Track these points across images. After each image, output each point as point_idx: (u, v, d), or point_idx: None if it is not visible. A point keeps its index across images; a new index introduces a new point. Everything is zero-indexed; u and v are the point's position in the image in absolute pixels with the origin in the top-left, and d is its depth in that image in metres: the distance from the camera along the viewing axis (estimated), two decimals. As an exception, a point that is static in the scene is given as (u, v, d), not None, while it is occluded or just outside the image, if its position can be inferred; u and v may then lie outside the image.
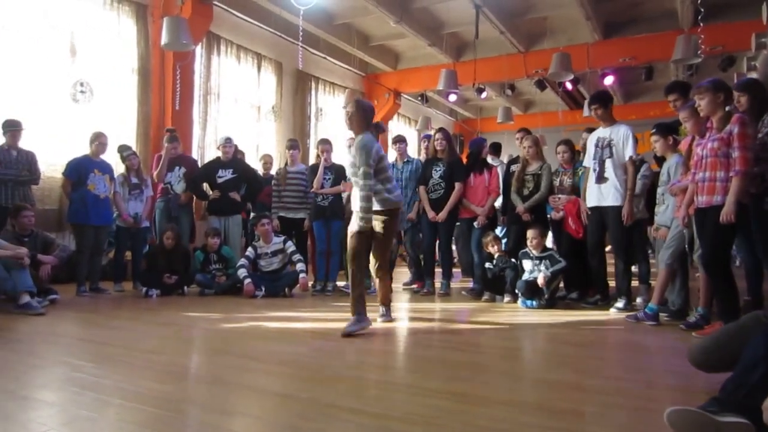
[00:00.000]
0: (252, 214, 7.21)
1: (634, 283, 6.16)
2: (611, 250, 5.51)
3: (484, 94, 12.58)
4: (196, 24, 8.07)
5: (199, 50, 8.89)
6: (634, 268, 6.84)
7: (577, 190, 5.78)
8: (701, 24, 8.12)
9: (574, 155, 6.12)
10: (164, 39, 7.35)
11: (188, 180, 6.87)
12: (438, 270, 6.75)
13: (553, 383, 2.83)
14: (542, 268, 5.50)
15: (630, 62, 10.93)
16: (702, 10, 7.91)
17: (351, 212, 4.43)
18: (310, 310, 5.37)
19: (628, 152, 5.09)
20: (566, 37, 11.15)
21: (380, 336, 4.09)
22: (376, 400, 2.47)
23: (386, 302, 4.58)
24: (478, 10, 9.55)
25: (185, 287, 6.33)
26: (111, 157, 6.81)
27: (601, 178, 5.20)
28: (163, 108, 8.35)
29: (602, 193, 5.19)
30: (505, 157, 8.83)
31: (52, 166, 6.95)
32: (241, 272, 6.12)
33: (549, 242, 6.34)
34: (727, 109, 3.94)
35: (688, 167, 4.34)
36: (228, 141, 6.91)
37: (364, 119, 4.26)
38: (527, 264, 5.66)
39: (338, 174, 6.45)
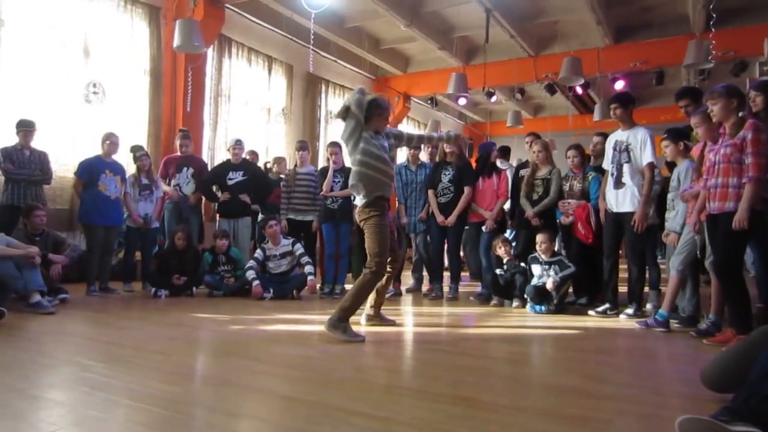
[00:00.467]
0: (260, 216, 7.23)
1: (645, 289, 6.14)
2: (623, 255, 5.48)
3: (493, 98, 12.56)
4: (208, 26, 8.13)
5: (210, 52, 8.94)
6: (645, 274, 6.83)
7: (586, 195, 5.75)
8: (713, 29, 8.08)
9: (584, 160, 6.08)
10: (176, 41, 7.39)
11: (199, 182, 6.90)
12: (446, 273, 6.74)
13: (562, 389, 2.81)
14: (551, 273, 5.48)
15: (641, 67, 10.88)
16: (714, 15, 7.87)
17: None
18: (318, 312, 5.37)
19: (647, 157, 4.96)
20: (577, 41, 11.13)
21: (388, 340, 4.08)
22: (383, 404, 2.47)
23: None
24: (489, 14, 9.55)
25: (194, 288, 6.35)
26: (123, 157, 6.85)
27: (618, 183, 5.10)
28: (174, 109, 8.40)
29: (619, 199, 5.13)
30: (514, 161, 8.80)
31: (63, 165, 7.01)
32: (250, 274, 6.14)
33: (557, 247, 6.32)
34: (740, 114, 3.91)
35: (700, 173, 4.31)
36: (238, 143, 6.94)
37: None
38: (536, 269, 5.64)
39: (348, 177, 6.43)
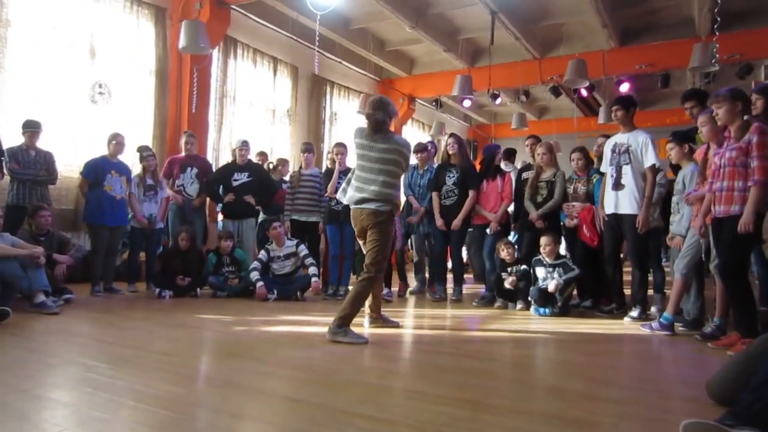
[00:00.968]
0: (262, 216, 7.24)
1: (649, 292, 6.12)
2: (626, 258, 5.47)
3: (498, 100, 12.55)
4: (214, 28, 8.14)
5: (216, 53, 8.95)
6: (648, 277, 6.81)
7: (591, 198, 5.75)
8: (717, 32, 8.06)
9: (589, 162, 6.07)
10: (182, 42, 7.40)
11: (203, 182, 6.91)
12: (448, 276, 6.73)
13: (566, 392, 2.81)
14: (555, 275, 5.47)
15: (646, 69, 10.86)
16: (719, 19, 7.85)
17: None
18: (322, 314, 5.37)
19: (650, 160, 4.99)
20: (582, 43, 11.11)
21: (392, 342, 4.08)
22: (387, 407, 2.47)
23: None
24: (494, 16, 9.53)
25: (198, 289, 6.36)
26: (128, 158, 6.86)
27: (618, 185, 5.13)
28: (179, 110, 8.41)
29: (619, 201, 5.13)
30: (519, 164, 8.80)
31: (69, 166, 7.02)
32: (254, 275, 6.14)
33: (562, 249, 6.30)
34: (745, 118, 3.90)
35: (705, 176, 4.30)
36: (244, 144, 6.95)
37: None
38: (540, 271, 5.63)
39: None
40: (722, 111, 3.87)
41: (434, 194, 6.45)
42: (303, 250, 6.37)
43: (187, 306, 5.57)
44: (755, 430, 1.92)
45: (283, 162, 8.25)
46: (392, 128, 4.29)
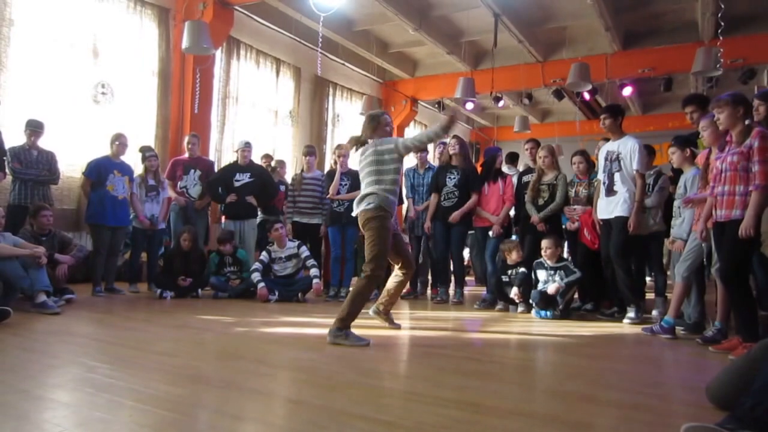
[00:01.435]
0: (260, 216, 7.25)
1: (650, 295, 6.12)
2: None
3: (501, 103, 12.56)
4: (217, 28, 8.16)
5: (219, 54, 8.97)
6: (649, 281, 6.81)
7: (592, 201, 5.75)
8: (722, 36, 8.06)
9: (590, 166, 6.08)
10: (185, 42, 7.42)
11: (205, 183, 6.91)
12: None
13: (567, 395, 2.80)
14: (557, 278, 5.47)
15: (649, 73, 10.86)
16: (722, 23, 7.85)
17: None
18: (323, 315, 5.37)
19: (635, 165, 5.09)
20: (585, 47, 11.11)
21: (393, 344, 4.08)
22: (388, 408, 2.46)
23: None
24: (497, 19, 9.54)
25: (199, 290, 6.36)
26: (131, 158, 6.87)
27: (610, 191, 5.22)
28: (182, 111, 8.42)
29: (611, 207, 5.20)
30: (521, 167, 8.81)
31: (71, 165, 7.04)
32: (255, 276, 6.15)
33: (565, 252, 6.30)
34: (747, 122, 3.90)
35: (707, 180, 4.30)
36: (247, 145, 6.96)
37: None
38: (542, 274, 5.63)
39: (355, 180, 6.44)
40: (724, 115, 3.87)
41: (434, 195, 6.45)
42: (304, 251, 6.38)
43: (189, 307, 5.57)
44: (756, 434, 1.92)
45: (281, 163, 8.26)
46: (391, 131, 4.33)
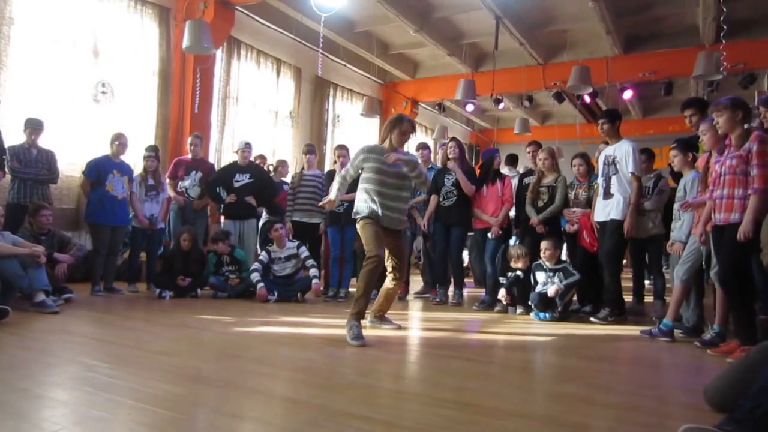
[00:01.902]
0: (265, 217, 7.25)
1: (649, 298, 6.12)
2: (625, 264, 5.49)
3: (501, 105, 12.57)
4: (218, 28, 8.17)
5: (219, 54, 8.98)
6: (648, 284, 6.81)
7: (592, 204, 5.75)
8: (723, 41, 8.07)
9: (590, 169, 6.09)
10: (186, 42, 7.43)
11: (205, 183, 6.91)
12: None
13: (565, 396, 2.81)
14: (556, 280, 5.47)
15: (650, 77, 10.88)
16: (725, 27, 7.86)
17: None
18: (322, 316, 5.38)
19: (629, 168, 5.12)
20: (586, 50, 11.13)
21: (392, 344, 4.08)
22: (386, 409, 2.47)
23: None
24: (499, 21, 9.56)
25: (198, 290, 6.36)
26: (131, 158, 6.86)
27: (607, 194, 5.26)
28: (182, 111, 8.43)
29: (607, 209, 5.22)
30: (521, 169, 8.82)
31: (71, 165, 7.04)
32: (254, 276, 6.15)
33: (563, 255, 6.30)
34: (746, 126, 3.91)
35: (706, 184, 4.31)
36: (247, 145, 6.95)
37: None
38: (541, 276, 5.63)
39: (354, 181, 6.44)
40: (723, 119, 3.88)
41: (433, 197, 6.45)
42: (304, 251, 6.38)
43: (188, 306, 5.57)
44: (754, 437, 1.92)
45: (282, 163, 8.26)
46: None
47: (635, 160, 5.12)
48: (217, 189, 6.90)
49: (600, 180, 5.36)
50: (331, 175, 6.66)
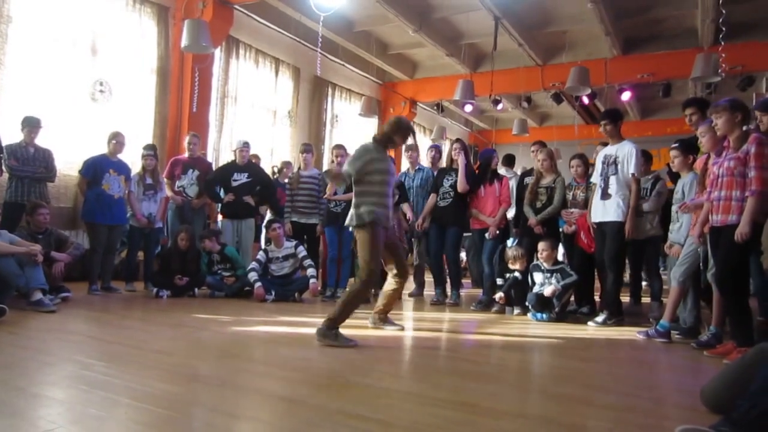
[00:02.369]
0: (269, 216, 7.26)
1: (646, 299, 6.13)
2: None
3: (500, 106, 12.58)
4: (217, 27, 8.16)
5: (218, 53, 8.97)
6: (645, 285, 6.82)
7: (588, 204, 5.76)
8: (722, 43, 8.09)
9: (588, 170, 6.09)
10: (184, 41, 7.41)
11: (203, 182, 6.91)
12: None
13: (562, 397, 2.81)
14: (553, 281, 5.48)
15: (648, 79, 10.90)
16: (723, 29, 7.87)
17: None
18: (319, 316, 5.34)
19: (631, 169, 5.11)
20: (585, 51, 11.15)
21: (389, 344, 4.08)
22: (384, 408, 2.46)
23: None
24: (498, 22, 9.56)
25: (196, 289, 6.35)
26: (129, 157, 6.84)
27: (605, 195, 5.23)
28: (180, 110, 8.42)
29: (605, 210, 5.20)
30: (519, 169, 8.82)
31: (68, 163, 7.02)
32: (252, 275, 6.14)
33: (560, 255, 6.31)
34: (744, 128, 3.92)
35: (704, 185, 4.31)
36: (245, 145, 6.95)
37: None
38: (538, 277, 5.63)
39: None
40: (721, 121, 3.89)
41: (432, 196, 6.45)
42: (301, 251, 6.37)
43: (185, 306, 5.57)
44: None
45: (287, 165, 8.27)
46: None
47: (637, 162, 5.12)
48: (215, 188, 6.89)
49: (598, 180, 5.33)
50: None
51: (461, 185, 6.24)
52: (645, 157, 5.83)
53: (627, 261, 5.82)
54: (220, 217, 7.39)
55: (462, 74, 11.78)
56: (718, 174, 3.95)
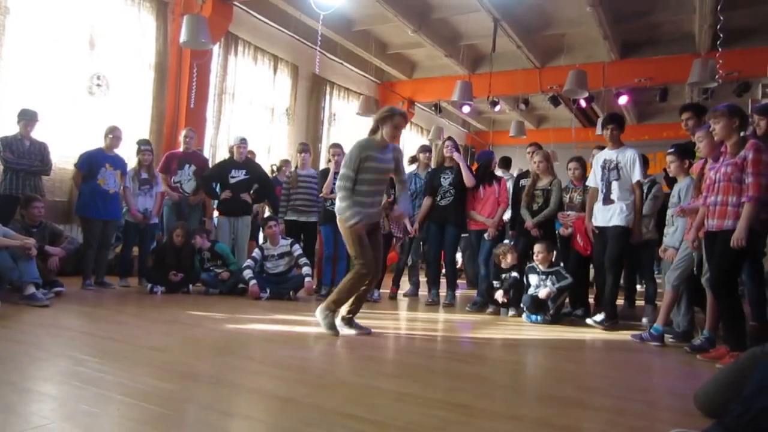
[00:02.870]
0: (267, 214, 7.25)
1: (640, 302, 6.15)
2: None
3: (497, 107, 12.58)
4: (216, 23, 8.14)
5: (216, 49, 8.95)
6: (640, 288, 6.83)
7: (586, 208, 5.76)
8: (719, 49, 8.12)
9: (585, 172, 6.10)
10: (183, 37, 7.39)
11: (200, 178, 6.88)
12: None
13: (556, 399, 2.81)
14: (548, 283, 5.48)
15: (645, 83, 10.93)
16: (720, 35, 7.90)
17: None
18: (314, 314, 5.36)
19: (636, 176, 5.11)
20: (583, 54, 11.16)
21: (384, 344, 4.08)
22: (378, 408, 2.46)
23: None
24: (497, 24, 9.57)
25: (190, 285, 6.33)
26: (125, 151, 6.81)
27: (607, 200, 5.21)
28: (177, 105, 8.41)
29: (608, 215, 5.20)
30: (515, 171, 8.83)
31: (64, 157, 6.99)
32: (247, 273, 6.13)
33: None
34: (741, 134, 3.93)
35: (700, 190, 4.32)
36: (243, 141, 6.92)
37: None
38: (533, 279, 5.64)
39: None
40: (719, 126, 3.90)
41: (427, 198, 6.42)
42: (297, 249, 6.36)
43: (179, 302, 5.55)
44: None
45: (285, 163, 8.26)
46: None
47: (641, 168, 5.12)
48: (213, 184, 6.87)
49: (599, 185, 5.29)
50: (325, 173, 6.65)
51: (468, 180, 6.23)
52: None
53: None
54: (216, 214, 7.36)
55: (460, 75, 11.79)
56: (714, 179, 3.96)
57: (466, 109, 13.11)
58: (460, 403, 2.60)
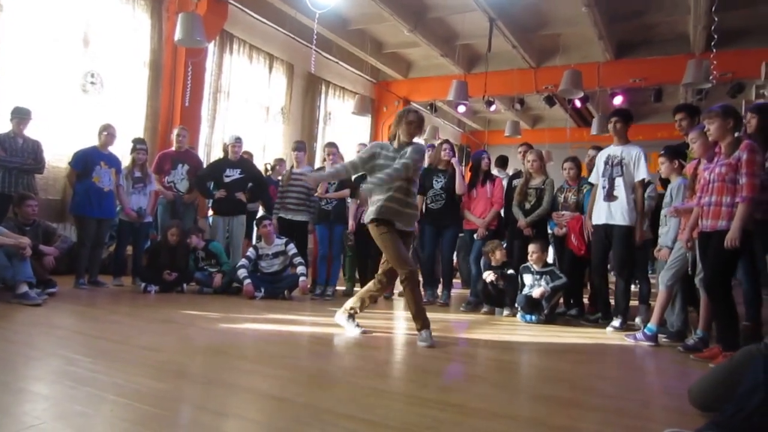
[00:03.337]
0: (261, 214, 7.25)
1: (634, 302, 6.15)
2: (611, 268, 5.50)
3: (493, 107, 12.60)
4: (211, 21, 8.12)
5: (211, 48, 8.92)
6: (634, 288, 6.85)
7: (581, 207, 5.76)
8: (713, 50, 8.15)
9: (580, 172, 6.10)
10: (178, 35, 7.36)
11: (194, 177, 6.86)
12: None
13: (550, 399, 2.82)
14: (543, 283, 5.49)
15: (640, 83, 10.96)
16: (715, 36, 7.93)
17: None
18: (309, 313, 5.36)
19: (640, 174, 5.08)
20: (578, 54, 11.18)
21: (378, 344, 4.08)
22: (372, 408, 2.46)
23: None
24: (493, 24, 9.58)
25: (184, 285, 6.32)
26: (119, 149, 6.78)
27: (610, 196, 5.16)
28: (172, 104, 8.38)
29: (611, 212, 5.15)
30: (511, 170, 8.84)
31: (57, 155, 6.95)
32: (241, 272, 6.11)
33: (549, 257, 6.32)
34: (736, 135, 3.94)
35: (694, 191, 4.33)
36: (238, 140, 6.89)
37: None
38: (528, 278, 5.64)
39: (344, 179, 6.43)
40: (714, 127, 3.91)
41: (419, 197, 6.40)
42: (292, 248, 6.34)
43: (173, 301, 5.53)
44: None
45: (280, 162, 8.24)
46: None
47: (646, 167, 5.10)
48: (207, 184, 6.85)
49: (601, 181, 5.24)
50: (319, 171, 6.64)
51: (460, 188, 6.23)
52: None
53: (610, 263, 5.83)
54: (210, 213, 7.34)
55: (456, 75, 11.80)
56: (708, 179, 3.97)
57: (461, 108, 13.11)
58: (454, 402, 2.60)
